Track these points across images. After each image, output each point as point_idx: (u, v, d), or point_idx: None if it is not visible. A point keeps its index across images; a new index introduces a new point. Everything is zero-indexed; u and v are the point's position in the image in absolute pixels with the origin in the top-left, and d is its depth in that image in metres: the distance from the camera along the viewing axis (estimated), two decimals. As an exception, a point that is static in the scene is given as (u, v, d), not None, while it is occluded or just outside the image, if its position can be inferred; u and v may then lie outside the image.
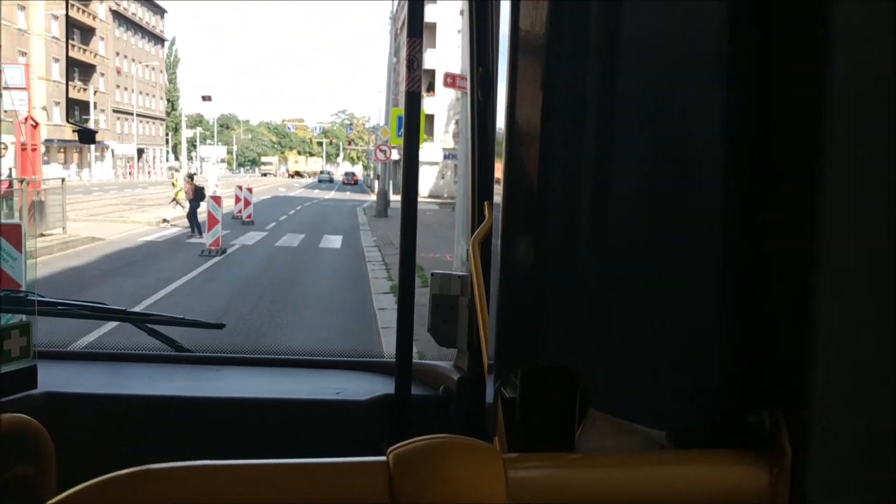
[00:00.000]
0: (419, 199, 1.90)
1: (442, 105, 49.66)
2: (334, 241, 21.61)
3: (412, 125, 1.88)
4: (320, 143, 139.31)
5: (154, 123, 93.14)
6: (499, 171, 0.90)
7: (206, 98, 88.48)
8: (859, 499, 0.76)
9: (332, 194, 59.14)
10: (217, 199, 17.21)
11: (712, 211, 0.80)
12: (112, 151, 74.69)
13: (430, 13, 46.93)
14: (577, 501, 0.74)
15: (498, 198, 0.91)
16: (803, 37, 0.75)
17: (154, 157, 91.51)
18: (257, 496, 0.71)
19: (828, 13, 0.72)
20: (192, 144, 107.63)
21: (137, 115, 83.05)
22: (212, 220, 16.91)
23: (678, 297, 0.81)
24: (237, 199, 26.28)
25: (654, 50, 0.79)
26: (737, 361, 0.81)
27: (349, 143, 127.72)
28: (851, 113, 0.72)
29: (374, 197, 40.43)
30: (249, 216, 25.40)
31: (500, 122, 0.88)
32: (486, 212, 1.78)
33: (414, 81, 1.81)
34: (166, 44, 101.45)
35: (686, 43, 0.79)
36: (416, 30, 1.82)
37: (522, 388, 0.93)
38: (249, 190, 26.42)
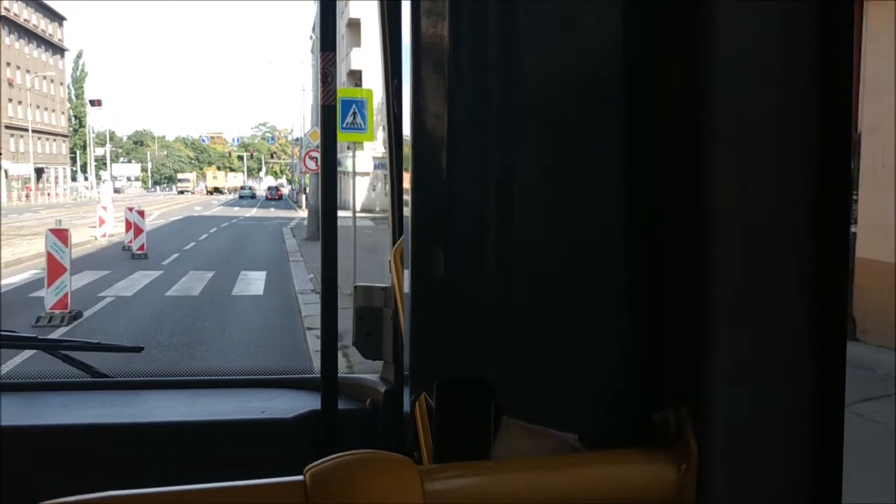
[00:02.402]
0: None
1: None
2: (255, 283, 15.53)
3: (329, 139, 1.86)
4: (241, 158, 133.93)
5: (55, 140, 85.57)
6: (407, 182, 0.89)
7: (94, 102, 80.00)
8: (764, 489, 0.79)
9: (253, 212, 53.27)
10: (61, 234, 10.65)
11: (613, 218, 0.83)
12: (5, 172, 67.17)
13: (354, 10, 43.54)
14: None
15: (408, 210, 0.90)
16: (688, 40, 0.77)
17: (56, 178, 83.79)
18: None
19: (710, 16, 0.75)
20: (102, 163, 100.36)
21: (34, 131, 75.60)
22: (54, 267, 10.51)
23: (583, 302, 0.83)
24: (127, 226, 20.17)
25: (554, 55, 0.81)
26: (641, 362, 0.84)
27: (271, 157, 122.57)
28: (736, 117, 0.75)
29: (301, 213, 34.73)
30: (142, 247, 19.39)
31: (407, 132, 0.88)
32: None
33: (329, 95, 1.80)
34: (66, 54, 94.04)
35: (584, 47, 0.81)
36: (328, 44, 1.82)
37: (438, 399, 0.95)
38: (140, 213, 20.01)
